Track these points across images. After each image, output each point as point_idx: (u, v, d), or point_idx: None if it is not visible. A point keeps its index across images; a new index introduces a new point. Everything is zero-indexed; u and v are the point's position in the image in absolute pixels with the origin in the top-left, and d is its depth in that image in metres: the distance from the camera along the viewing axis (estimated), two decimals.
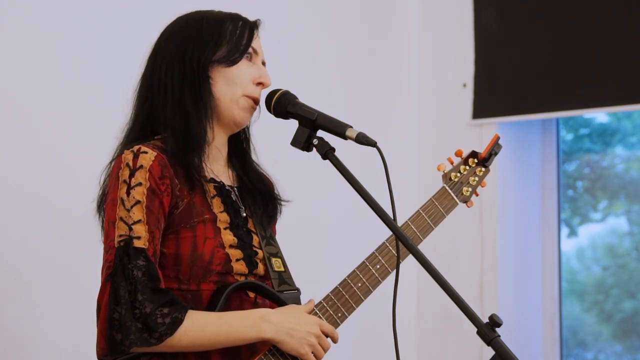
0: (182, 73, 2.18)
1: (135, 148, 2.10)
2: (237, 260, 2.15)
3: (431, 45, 4.30)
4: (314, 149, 2.10)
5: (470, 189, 2.38)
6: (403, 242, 1.95)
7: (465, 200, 2.39)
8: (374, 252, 2.23)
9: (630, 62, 3.84)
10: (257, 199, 2.27)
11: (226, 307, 2.10)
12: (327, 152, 2.08)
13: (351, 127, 2.07)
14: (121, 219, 2.04)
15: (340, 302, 2.19)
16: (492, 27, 4.16)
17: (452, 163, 2.39)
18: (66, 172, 3.01)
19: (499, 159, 4.17)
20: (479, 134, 4.12)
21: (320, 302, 2.19)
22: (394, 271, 2.20)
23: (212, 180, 2.19)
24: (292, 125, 2.15)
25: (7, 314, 2.87)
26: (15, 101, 2.92)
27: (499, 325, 1.84)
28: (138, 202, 2.05)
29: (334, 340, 2.16)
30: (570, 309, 4.29)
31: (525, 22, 4.10)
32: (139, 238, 2.02)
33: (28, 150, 2.93)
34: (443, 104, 4.25)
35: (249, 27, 2.23)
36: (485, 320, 1.86)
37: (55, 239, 2.97)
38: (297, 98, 2.16)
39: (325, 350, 2.15)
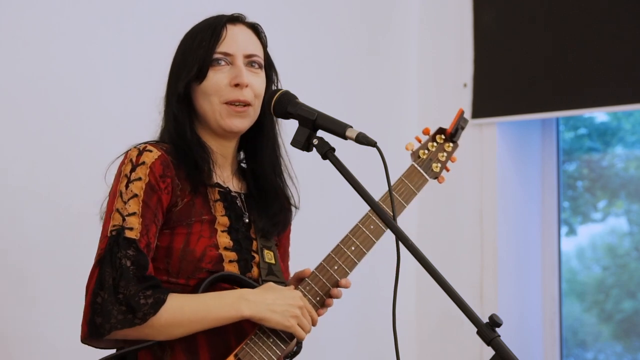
0: (169, 101, 2.25)
1: (142, 146, 2.15)
2: (230, 261, 2.16)
3: (431, 46, 4.30)
4: (314, 149, 2.10)
5: (439, 165, 2.39)
6: (403, 242, 1.95)
7: (436, 177, 2.39)
8: (347, 235, 2.25)
9: (630, 62, 3.84)
10: (263, 208, 2.28)
11: None
12: (327, 152, 2.08)
13: (351, 127, 2.07)
14: (117, 210, 2.08)
15: (318, 286, 2.19)
16: (492, 27, 4.16)
17: (420, 141, 2.41)
18: (67, 171, 3.01)
19: (499, 159, 4.20)
20: (479, 134, 4.12)
21: (297, 288, 2.20)
22: (370, 251, 2.22)
23: (218, 185, 2.21)
24: (292, 125, 2.15)
25: (8, 313, 2.87)
26: (15, 101, 2.91)
27: (499, 325, 1.84)
28: (135, 195, 2.08)
29: (313, 322, 2.17)
30: (570, 309, 4.29)
31: (525, 22, 4.10)
32: (131, 229, 2.06)
33: (28, 149, 2.93)
34: (443, 104, 4.24)
35: (214, 32, 2.22)
36: (485, 320, 1.85)
37: (56, 238, 2.97)
38: (297, 98, 2.16)
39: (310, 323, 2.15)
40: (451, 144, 2.42)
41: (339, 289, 2.21)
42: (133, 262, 2.04)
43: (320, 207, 3.65)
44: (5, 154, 2.89)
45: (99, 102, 3.10)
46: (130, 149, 2.16)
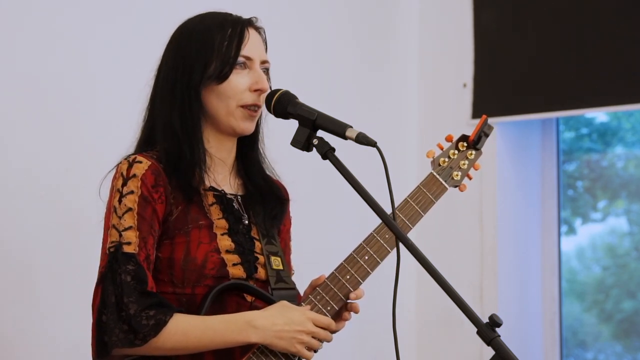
0: (173, 96, 2.19)
1: (131, 158, 2.14)
2: (234, 265, 2.15)
3: (431, 46, 4.30)
4: (314, 149, 2.10)
5: (460, 173, 2.32)
6: (403, 242, 1.95)
7: (456, 185, 2.33)
8: (361, 244, 2.21)
9: (630, 62, 3.84)
10: (260, 203, 2.27)
11: (221, 311, 2.11)
12: (327, 152, 2.07)
13: (351, 127, 2.07)
14: (113, 226, 2.08)
15: (329, 296, 2.18)
16: (492, 27, 4.16)
17: (442, 149, 2.35)
18: (67, 171, 3.00)
19: (499, 159, 4.20)
20: None
21: (308, 297, 2.19)
22: (384, 261, 2.20)
23: (212, 189, 2.20)
24: (292, 125, 2.14)
25: (9, 313, 2.87)
26: (15, 101, 2.91)
27: (499, 325, 1.84)
28: (130, 209, 2.08)
29: (331, 330, 2.15)
30: (570, 309, 4.29)
31: (525, 22, 4.10)
32: (129, 244, 2.06)
33: (28, 149, 2.93)
34: (443, 104, 4.24)
35: (239, 33, 2.20)
36: (485, 320, 1.85)
37: (57, 238, 2.97)
38: (297, 98, 2.16)
39: (322, 341, 2.15)
40: (474, 152, 2.34)
41: (355, 302, 2.20)
42: (133, 277, 2.04)
43: (319, 207, 3.65)
44: (5, 154, 2.89)
45: (99, 102, 3.10)
46: (120, 162, 2.15)
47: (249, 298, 2.17)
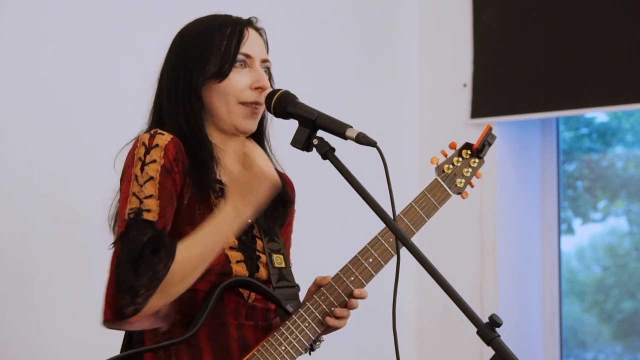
0: (177, 96, 2.20)
1: (153, 130, 2.13)
2: (238, 262, 2.15)
3: (431, 45, 4.30)
4: (314, 149, 2.10)
5: (463, 181, 2.35)
6: (403, 242, 1.95)
7: (459, 192, 2.36)
8: (366, 246, 2.22)
9: (630, 62, 3.84)
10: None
11: (220, 309, 2.12)
12: (327, 152, 2.07)
13: (351, 127, 2.07)
14: (134, 194, 2.06)
15: (333, 296, 2.19)
16: (492, 27, 4.16)
17: (445, 156, 2.38)
18: (68, 171, 3.01)
19: (499, 159, 4.21)
20: (479, 134, 4.11)
21: (312, 297, 2.19)
22: (387, 264, 2.20)
23: (218, 181, 2.20)
24: (292, 125, 2.14)
25: (10, 312, 2.87)
26: (17, 100, 2.92)
27: (498, 325, 1.84)
28: (151, 178, 2.06)
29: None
30: (570, 309, 4.29)
31: (524, 22, 4.10)
32: (149, 211, 2.04)
33: (29, 148, 2.93)
34: (443, 104, 4.25)
35: (238, 32, 2.21)
36: (485, 320, 1.85)
37: (58, 237, 2.97)
38: (297, 98, 2.16)
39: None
40: (477, 160, 2.37)
41: (356, 300, 2.21)
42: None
43: (319, 207, 3.65)
44: (7, 153, 2.89)
45: (101, 101, 3.10)
46: (139, 135, 2.14)
47: (245, 294, 2.17)
